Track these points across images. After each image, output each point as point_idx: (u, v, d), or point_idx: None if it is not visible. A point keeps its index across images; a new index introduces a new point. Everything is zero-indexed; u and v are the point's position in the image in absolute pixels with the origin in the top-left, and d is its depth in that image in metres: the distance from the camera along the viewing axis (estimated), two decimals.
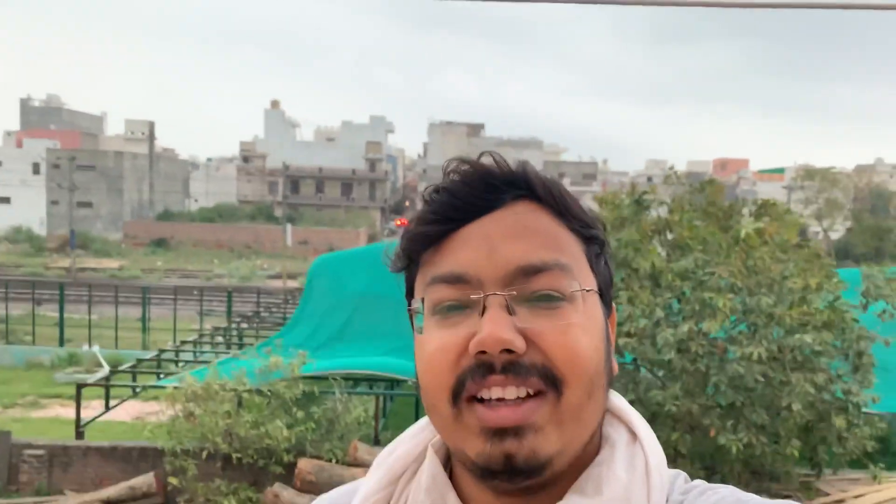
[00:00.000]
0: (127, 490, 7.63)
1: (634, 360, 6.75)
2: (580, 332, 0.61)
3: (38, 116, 64.28)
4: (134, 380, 10.59)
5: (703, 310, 6.31)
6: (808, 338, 6.07)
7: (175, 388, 7.83)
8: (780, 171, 62.66)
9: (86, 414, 10.21)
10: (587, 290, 0.63)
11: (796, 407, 5.95)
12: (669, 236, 7.38)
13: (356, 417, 7.87)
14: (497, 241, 0.61)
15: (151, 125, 58.61)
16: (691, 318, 6.34)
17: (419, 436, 0.71)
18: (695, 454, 6.60)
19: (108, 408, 9.48)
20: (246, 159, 64.54)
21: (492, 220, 0.63)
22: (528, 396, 0.59)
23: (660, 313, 6.42)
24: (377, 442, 9.69)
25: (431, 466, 0.67)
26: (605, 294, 0.67)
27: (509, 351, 0.58)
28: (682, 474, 0.68)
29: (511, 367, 0.58)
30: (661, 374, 6.82)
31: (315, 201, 59.75)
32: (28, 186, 48.82)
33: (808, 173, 47.56)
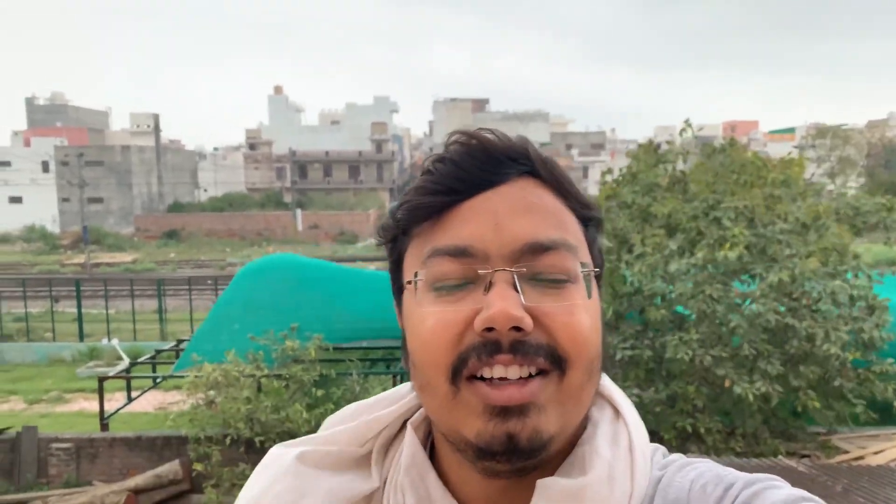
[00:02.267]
0: (153, 478, 7.78)
1: (642, 309, 6.75)
2: (584, 313, 0.60)
3: (44, 115, 64.45)
4: (154, 371, 10.72)
5: (718, 243, 6.32)
6: (835, 283, 6.09)
7: (195, 376, 7.93)
8: (791, 130, 61.89)
9: (109, 406, 10.36)
10: (593, 271, 0.62)
11: (834, 350, 5.92)
12: (685, 191, 7.41)
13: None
14: (504, 216, 0.60)
15: (156, 117, 58.62)
16: (706, 248, 6.34)
17: (392, 407, 0.70)
18: (714, 409, 6.62)
19: (130, 399, 9.62)
20: (252, 147, 64.51)
21: (497, 195, 0.61)
22: (530, 376, 0.58)
23: (673, 246, 6.43)
24: None
25: (411, 445, 0.66)
26: (599, 277, 0.66)
27: (517, 329, 0.57)
28: (661, 448, 0.68)
29: (519, 346, 0.57)
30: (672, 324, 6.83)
31: (323, 185, 59.73)
32: (38, 185, 49.11)
33: (820, 132, 46.93)
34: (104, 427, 9.96)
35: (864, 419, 6.54)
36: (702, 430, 6.39)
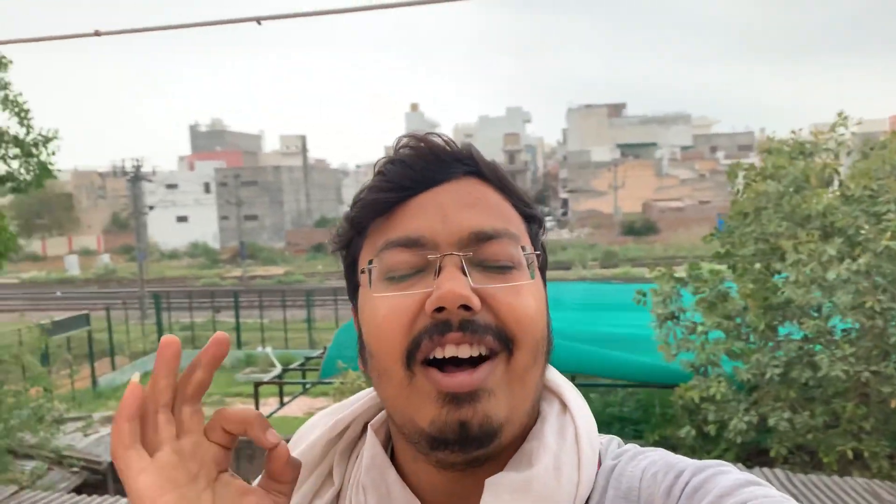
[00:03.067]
0: None
1: (806, 336, 6.22)
2: (529, 295, 0.63)
3: (206, 140, 70.40)
4: (303, 377, 11.28)
5: (881, 241, 5.69)
6: None
7: (341, 382, 8.25)
8: None
9: (263, 410, 11.03)
10: (536, 254, 0.66)
11: None
12: (837, 189, 6.78)
13: None
14: (451, 208, 0.64)
15: (303, 139, 62.30)
16: (870, 253, 5.74)
17: (351, 406, 0.73)
18: (883, 431, 5.98)
19: (282, 404, 10.18)
20: None
21: (444, 191, 0.65)
22: (481, 358, 0.60)
23: (831, 251, 5.87)
24: None
25: (371, 447, 0.69)
26: (543, 273, 0.69)
27: (466, 308, 0.59)
28: (616, 439, 0.70)
29: (468, 324, 0.60)
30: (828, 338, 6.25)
31: None
32: (201, 205, 53.63)
33: None
34: None
35: None
36: (866, 455, 5.77)
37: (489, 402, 0.60)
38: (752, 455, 6.73)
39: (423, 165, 0.66)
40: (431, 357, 0.60)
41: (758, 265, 6.67)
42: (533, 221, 0.69)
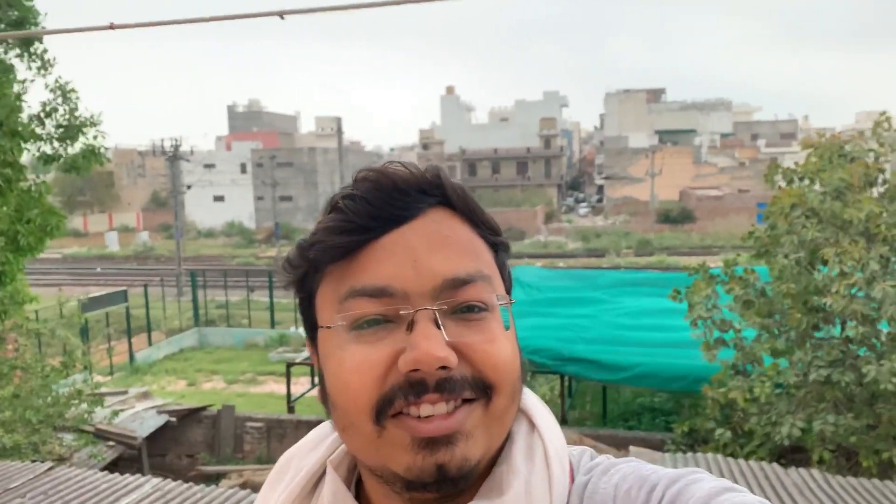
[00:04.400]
0: None
1: (848, 337, 6.04)
2: (504, 340, 0.61)
3: (242, 121, 71.10)
4: None
5: None
6: None
7: None
8: None
9: (295, 390, 11.17)
10: (510, 301, 0.63)
11: None
12: (882, 188, 6.54)
13: (541, 396, 7.87)
14: (421, 252, 0.60)
15: (339, 121, 62.51)
16: None
17: (317, 451, 0.70)
18: None
19: (313, 385, 10.28)
20: (425, 146, 66.79)
21: (411, 230, 0.61)
22: (456, 407, 0.58)
23: (874, 266, 5.68)
24: (564, 422, 9.58)
25: (332, 484, 0.66)
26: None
27: (443, 367, 0.57)
28: (588, 451, 0.68)
29: (445, 384, 0.57)
30: (875, 344, 6.06)
31: (492, 182, 60.46)
32: (237, 185, 54.29)
33: None
34: (290, 410, 10.73)
35: None
36: None
37: (466, 445, 0.58)
38: (786, 453, 6.59)
39: (385, 201, 0.61)
40: (406, 412, 0.58)
41: (798, 266, 6.49)
42: (500, 248, 0.67)
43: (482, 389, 0.59)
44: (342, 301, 0.60)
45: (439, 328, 0.57)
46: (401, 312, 0.58)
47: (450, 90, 72.49)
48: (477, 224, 0.64)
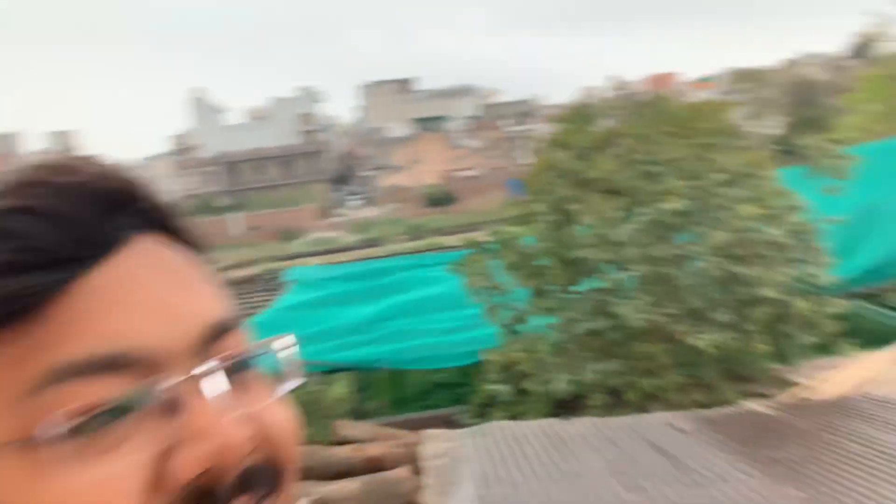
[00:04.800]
0: None
1: (604, 288, 6.79)
2: (283, 400, 0.45)
3: None
4: None
5: (658, 201, 6.37)
6: (774, 230, 6.20)
7: None
8: (711, 79, 63.44)
9: None
10: (290, 346, 0.46)
11: (770, 294, 6.07)
12: (618, 150, 7.45)
13: (337, 395, 7.83)
14: (159, 292, 0.40)
15: (69, 136, 56.25)
16: (651, 209, 6.40)
17: None
18: (677, 364, 6.74)
19: None
20: (179, 153, 62.64)
21: (130, 261, 0.40)
22: None
23: (616, 214, 6.46)
24: (363, 416, 9.65)
25: None
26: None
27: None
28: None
29: (248, 480, 0.40)
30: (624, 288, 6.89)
31: (257, 184, 58.52)
32: None
33: (739, 76, 48.31)
34: None
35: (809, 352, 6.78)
36: (666, 391, 6.49)
37: None
38: (566, 403, 7.25)
39: (81, 216, 0.39)
40: None
41: (553, 225, 7.15)
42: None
43: (280, 476, 0.43)
44: (33, 393, 0.36)
45: (223, 396, 0.39)
46: (160, 387, 0.38)
47: (199, 92, 68.58)
48: (196, 244, 0.46)
